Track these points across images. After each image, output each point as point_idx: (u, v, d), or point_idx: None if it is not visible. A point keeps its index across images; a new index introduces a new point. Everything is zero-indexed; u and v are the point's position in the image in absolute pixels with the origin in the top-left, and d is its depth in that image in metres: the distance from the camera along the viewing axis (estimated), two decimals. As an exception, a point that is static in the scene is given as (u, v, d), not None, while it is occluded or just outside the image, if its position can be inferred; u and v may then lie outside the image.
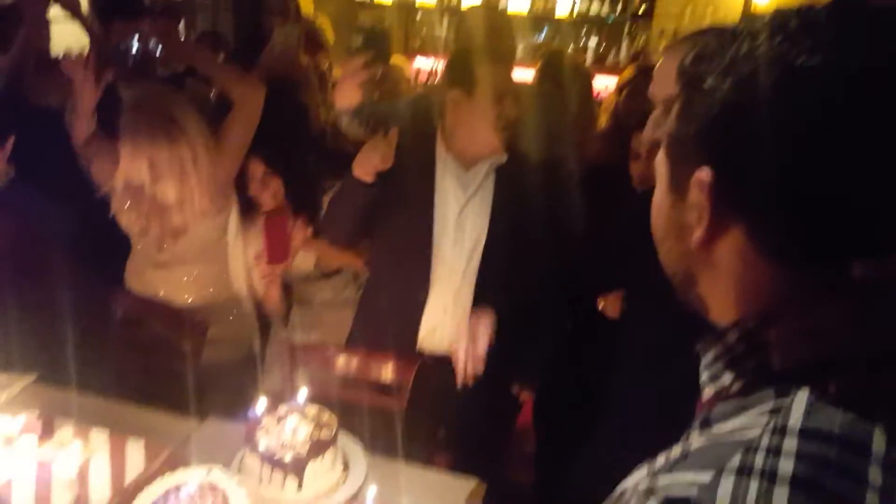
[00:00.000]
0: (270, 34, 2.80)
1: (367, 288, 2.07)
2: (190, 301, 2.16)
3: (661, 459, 0.55)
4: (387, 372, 1.87)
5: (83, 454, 1.53)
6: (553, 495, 2.16)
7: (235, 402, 1.80)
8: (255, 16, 2.86)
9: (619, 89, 2.87)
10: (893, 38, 0.48)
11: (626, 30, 5.78)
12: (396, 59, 3.73)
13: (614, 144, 2.62)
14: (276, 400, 1.63)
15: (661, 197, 0.61)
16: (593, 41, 5.86)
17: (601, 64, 5.79)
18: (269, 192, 2.16)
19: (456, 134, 1.84)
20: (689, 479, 0.49)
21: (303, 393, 1.60)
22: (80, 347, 1.79)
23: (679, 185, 0.57)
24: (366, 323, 1.98)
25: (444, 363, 1.86)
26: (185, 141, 1.92)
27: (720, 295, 0.58)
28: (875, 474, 0.45)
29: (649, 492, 0.50)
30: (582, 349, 2.04)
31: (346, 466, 1.57)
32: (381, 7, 5.57)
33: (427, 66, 5.50)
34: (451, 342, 1.86)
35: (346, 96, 1.91)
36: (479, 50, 1.88)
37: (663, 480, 0.50)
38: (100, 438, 1.60)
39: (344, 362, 1.90)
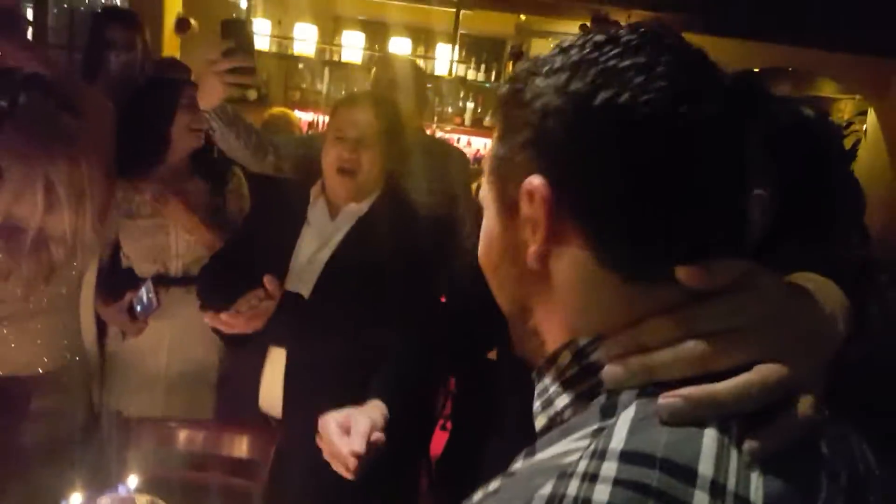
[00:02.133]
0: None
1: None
2: (30, 366, 1.72)
3: (478, 494, 0.50)
4: (241, 447, 1.61)
5: None
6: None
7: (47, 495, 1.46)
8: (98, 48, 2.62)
9: None
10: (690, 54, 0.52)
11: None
12: (280, 110, 3.66)
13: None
14: (101, 488, 1.34)
15: (490, 224, 0.59)
16: (471, 105, 6.07)
17: (478, 126, 6.02)
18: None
19: (327, 177, 1.73)
20: None
21: (132, 479, 1.33)
22: None
23: (509, 204, 0.55)
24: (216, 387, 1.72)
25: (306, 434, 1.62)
26: (83, 154, 1.56)
27: (556, 319, 0.55)
28: (701, 500, 0.41)
29: None
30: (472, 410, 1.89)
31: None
32: (259, 54, 5.42)
33: (308, 118, 5.42)
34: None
35: (209, 92, 1.72)
36: (357, 97, 1.78)
37: None
38: None
39: (187, 438, 1.62)
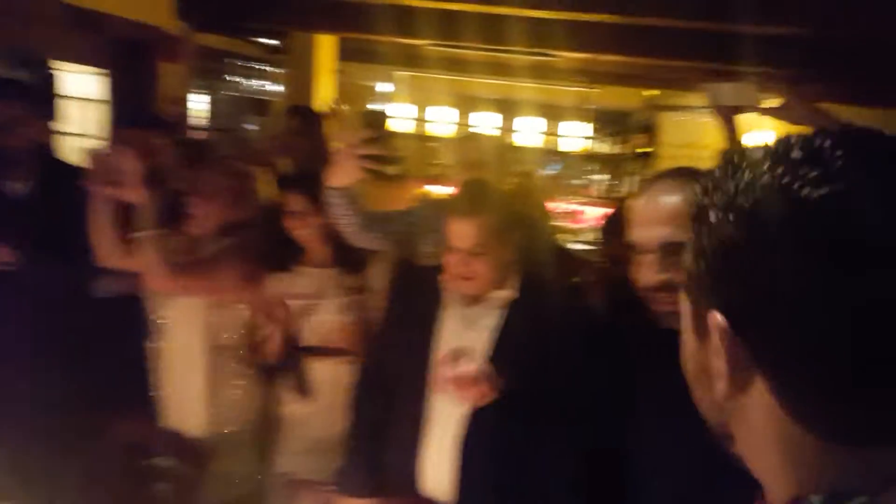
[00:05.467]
0: None
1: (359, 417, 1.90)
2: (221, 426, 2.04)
3: None
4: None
5: None
6: None
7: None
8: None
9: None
10: None
11: (629, 167, 6.05)
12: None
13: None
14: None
15: (686, 336, 0.54)
16: (600, 176, 6.12)
17: (608, 197, 6.05)
18: None
19: (449, 280, 1.67)
20: None
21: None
22: (74, 475, 1.68)
23: (700, 327, 0.50)
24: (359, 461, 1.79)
25: None
26: None
27: (764, 460, 0.49)
28: None
29: None
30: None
31: None
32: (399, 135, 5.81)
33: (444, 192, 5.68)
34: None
35: (341, 173, 1.83)
36: (459, 206, 1.68)
37: None
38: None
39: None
